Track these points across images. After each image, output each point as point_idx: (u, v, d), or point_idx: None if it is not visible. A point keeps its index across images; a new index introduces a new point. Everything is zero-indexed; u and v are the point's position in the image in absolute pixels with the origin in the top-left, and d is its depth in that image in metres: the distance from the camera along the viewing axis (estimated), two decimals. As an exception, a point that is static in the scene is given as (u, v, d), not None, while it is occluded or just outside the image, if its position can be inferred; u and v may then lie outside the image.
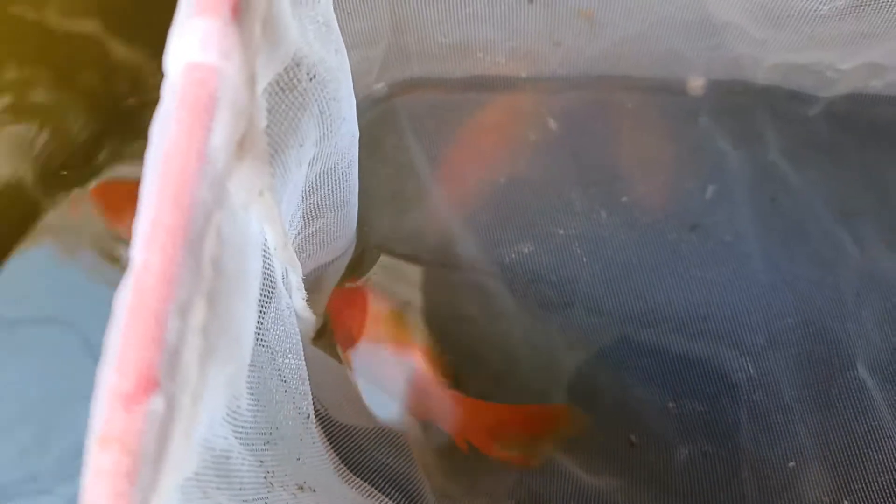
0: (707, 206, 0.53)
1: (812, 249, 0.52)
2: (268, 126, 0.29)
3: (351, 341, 0.52)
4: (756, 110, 0.55)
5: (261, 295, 0.36)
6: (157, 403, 0.21)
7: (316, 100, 0.33)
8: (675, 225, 0.53)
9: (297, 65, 0.31)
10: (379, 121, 0.55)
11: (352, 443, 0.48)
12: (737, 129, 0.55)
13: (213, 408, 0.29)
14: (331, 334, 0.52)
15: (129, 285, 0.22)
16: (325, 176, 0.40)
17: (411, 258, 0.54)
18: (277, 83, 0.30)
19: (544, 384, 0.52)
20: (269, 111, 0.29)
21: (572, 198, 0.54)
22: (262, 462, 0.37)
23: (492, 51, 0.52)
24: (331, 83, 0.34)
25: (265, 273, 0.36)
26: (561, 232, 0.53)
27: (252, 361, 0.37)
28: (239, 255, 0.27)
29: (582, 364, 0.52)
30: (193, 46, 0.23)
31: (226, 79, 0.23)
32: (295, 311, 0.44)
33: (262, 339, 0.38)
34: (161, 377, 0.22)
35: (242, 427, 0.35)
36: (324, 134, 0.36)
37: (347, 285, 0.54)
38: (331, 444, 0.47)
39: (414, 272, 0.54)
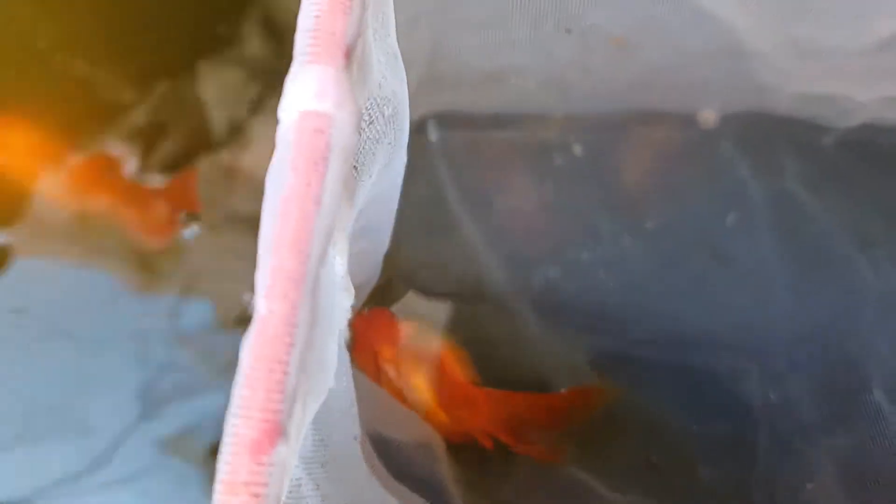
0: (728, 233, 0.55)
1: (831, 277, 0.54)
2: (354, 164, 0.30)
3: (375, 362, 0.53)
4: (774, 139, 0.57)
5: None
6: (282, 452, 0.22)
7: (387, 132, 0.33)
8: (697, 251, 0.54)
9: (378, 99, 0.31)
10: (409, 152, 0.55)
11: (390, 453, 0.48)
12: (756, 158, 0.56)
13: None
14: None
15: (254, 333, 0.22)
16: (375, 201, 0.40)
17: (437, 287, 0.54)
18: (362, 118, 0.30)
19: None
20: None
21: (598, 223, 0.55)
22: (318, 486, 0.37)
23: (524, 77, 0.53)
24: (398, 116, 0.34)
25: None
26: (587, 257, 0.54)
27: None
28: (330, 292, 0.27)
29: (603, 384, 0.53)
30: (309, 95, 0.23)
31: (340, 127, 0.24)
32: (343, 334, 0.44)
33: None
34: (285, 424, 0.22)
35: (306, 453, 0.36)
36: (386, 164, 0.36)
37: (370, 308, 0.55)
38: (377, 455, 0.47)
39: (439, 303, 0.54)
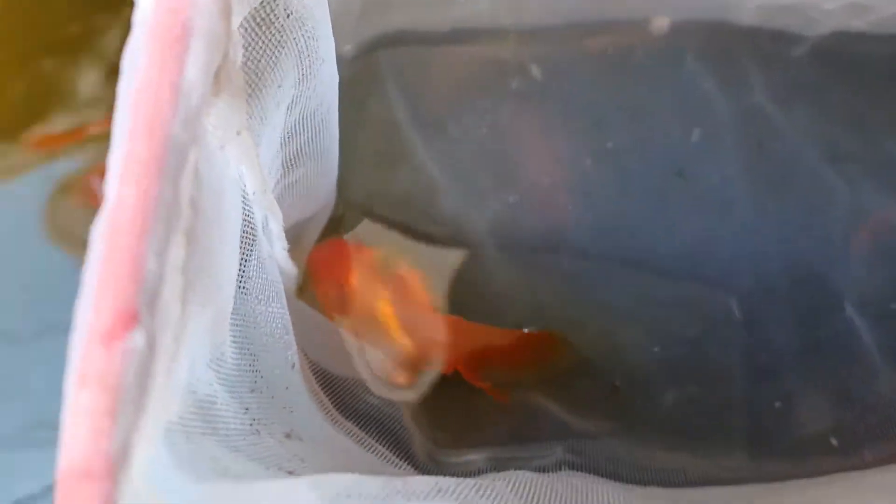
0: (693, 151, 0.53)
1: (800, 192, 0.52)
2: (245, 63, 0.29)
3: (340, 291, 0.52)
4: (740, 52, 0.54)
5: (241, 241, 0.35)
6: (137, 340, 0.21)
7: (294, 38, 0.32)
8: (660, 170, 0.52)
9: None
10: (359, 77, 0.54)
11: (341, 390, 0.48)
12: (721, 72, 0.54)
13: (195, 351, 0.29)
14: (312, 291, 0.52)
15: (105, 220, 0.21)
16: (305, 121, 0.39)
17: (393, 216, 0.53)
18: (254, 18, 0.29)
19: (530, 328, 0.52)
20: (245, 47, 0.28)
21: (557, 145, 0.53)
22: (247, 409, 0.37)
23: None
24: (308, 20, 0.33)
25: (245, 219, 0.35)
26: (546, 180, 0.53)
27: (235, 309, 0.37)
28: (216, 195, 0.26)
29: (567, 311, 0.52)
30: (164, -27, 0.22)
31: (199, 7, 0.23)
32: (277, 261, 0.43)
33: (244, 287, 0.37)
34: (141, 313, 0.21)
35: (227, 375, 0.35)
36: (303, 75, 0.35)
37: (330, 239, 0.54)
38: (322, 389, 0.47)
39: (395, 231, 0.53)
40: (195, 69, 0.23)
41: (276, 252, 0.43)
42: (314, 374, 0.47)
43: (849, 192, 0.52)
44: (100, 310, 0.20)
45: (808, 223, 0.51)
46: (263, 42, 0.30)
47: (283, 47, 0.31)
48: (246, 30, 0.29)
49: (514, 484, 0.37)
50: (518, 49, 0.54)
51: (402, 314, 0.51)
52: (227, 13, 0.24)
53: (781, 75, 0.54)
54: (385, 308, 0.52)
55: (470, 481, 0.34)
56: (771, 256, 0.51)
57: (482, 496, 0.32)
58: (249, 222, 0.37)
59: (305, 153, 0.43)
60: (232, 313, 0.36)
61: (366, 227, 0.54)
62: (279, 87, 0.32)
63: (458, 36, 0.54)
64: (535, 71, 0.54)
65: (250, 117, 0.30)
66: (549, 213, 0.52)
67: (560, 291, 0.52)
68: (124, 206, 0.21)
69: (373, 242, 0.53)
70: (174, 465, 0.27)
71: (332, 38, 0.37)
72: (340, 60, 0.51)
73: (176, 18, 0.22)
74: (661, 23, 0.52)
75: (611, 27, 0.53)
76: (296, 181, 0.44)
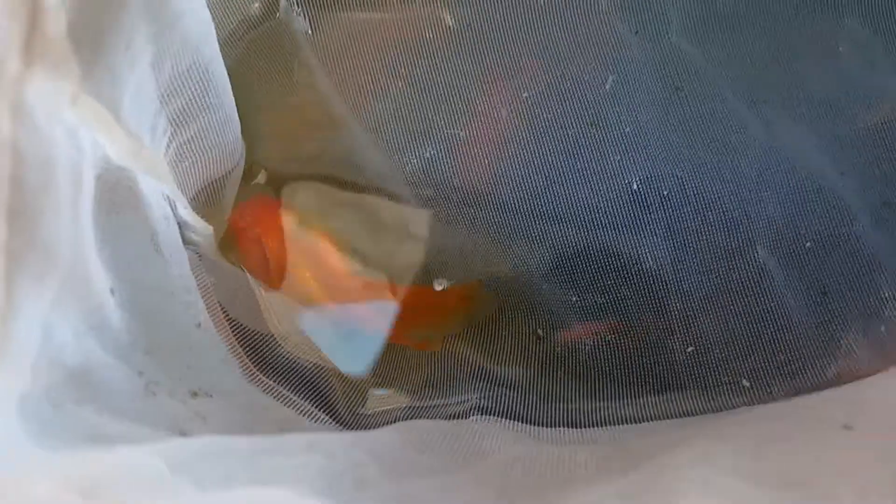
0: (607, 98, 0.52)
1: (714, 135, 0.51)
2: (73, 28, 0.28)
3: (260, 251, 0.53)
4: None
5: (117, 207, 0.36)
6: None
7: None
8: (574, 119, 0.52)
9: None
10: (269, 36, 0.53)
11: (262, 345, 0.48)
12: (637, 11, 0.53)
13: (52, 323, 0.29)
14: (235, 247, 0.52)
15: None
16: (184, 77, 0.39)
17: (311, 175, 0.53)
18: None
19: (452, 282, 0.52)
20: (73, 11, 0.28)
21: (472, 96, 0.53)
22: (141, 373, 0.37)
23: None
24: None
25: (120, 184, 0.35)
26: (462, 133, 0.53)
27: (120, 274, 0.37)
28: (44, 168, 0.26)
29: (487, 263, 0.52)
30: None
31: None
32: (180, 221, 0.43)
33: (130, 253, 0.38)
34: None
35: (114, 340, 0.35)
36: (158, 30, 0.34)
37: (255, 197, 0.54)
38: (241, 345, 0.47)
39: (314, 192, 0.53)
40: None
41: (179, 212, 0.43)
42: (234, 330, 0.48)
43: (766, 133, 0.51)
44: None
45: (721, 166, 0.51)
46: (96, 4, 0.29)
47: (123, 7, 0.31)
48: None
49: (405, 432, 0.37)
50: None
51: (321, 278, 0.52)
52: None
53: (699, 9, 0.53)
54: (305, 274, 0.52)
55: (348, 436, 0.35)
56: (682, 202, 0.51)
57: (358, 449, 0.33)
58: (130, 188, 0.37)
59: (196, 107, 0.42)
60: (117, 277, 0.36)
61: (292, 188, 0.54)
62: (126, 48, 0.32)
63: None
64: (450, 20, 0.53)
65: (97, 82, 0.30)
66: (466, 166, 0.52)
67: (480, 244, 0.52)
68: None
69: (295, 201, 0.53)
70: (34, 435, 0.28)
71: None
72: (248, 19, 0.51)
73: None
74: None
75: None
76: (193, 137, 0.44)
